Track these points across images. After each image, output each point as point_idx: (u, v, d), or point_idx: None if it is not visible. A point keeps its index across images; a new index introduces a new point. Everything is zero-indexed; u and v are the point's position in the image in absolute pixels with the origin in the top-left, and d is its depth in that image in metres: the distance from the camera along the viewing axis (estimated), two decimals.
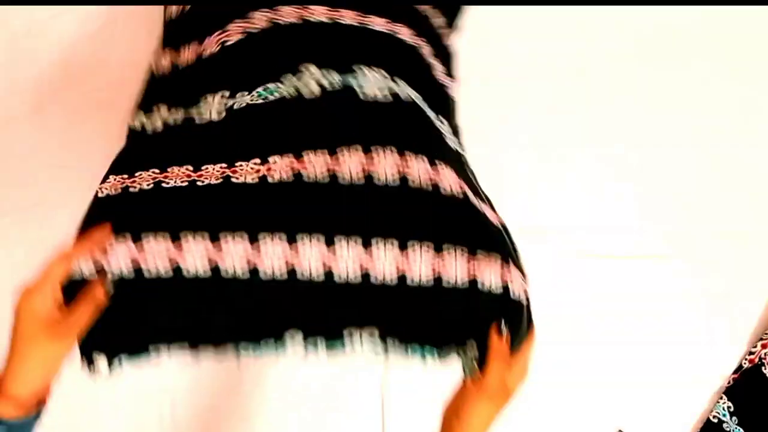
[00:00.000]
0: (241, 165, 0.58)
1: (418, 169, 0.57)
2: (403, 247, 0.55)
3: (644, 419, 0.83)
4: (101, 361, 0.55)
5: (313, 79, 0.60)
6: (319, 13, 0.63)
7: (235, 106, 0.60)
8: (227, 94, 0.61)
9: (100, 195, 0.59)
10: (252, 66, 0.62)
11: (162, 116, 0.63)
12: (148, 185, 0.58)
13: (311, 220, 0.56)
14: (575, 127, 0.87)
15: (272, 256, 0.54)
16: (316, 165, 0.57)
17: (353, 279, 0.55)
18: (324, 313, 0.56)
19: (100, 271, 0.53)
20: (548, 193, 0.86)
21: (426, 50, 0.67)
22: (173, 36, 0.69)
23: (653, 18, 0.89)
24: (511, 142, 0.86)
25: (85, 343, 0.53)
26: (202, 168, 0.58)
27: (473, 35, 0.88)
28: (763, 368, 0.82)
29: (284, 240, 0.55)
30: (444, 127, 0.64)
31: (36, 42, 0.83)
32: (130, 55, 0.84)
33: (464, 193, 0.58)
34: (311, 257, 0.55)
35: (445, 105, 0.68)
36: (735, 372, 0.83)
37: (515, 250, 0.60)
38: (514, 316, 0.56)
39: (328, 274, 0.55)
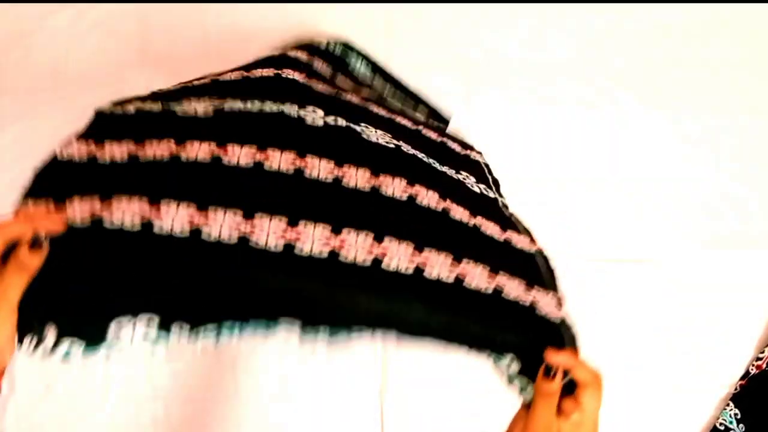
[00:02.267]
0: (233, 147, 0.49)
1: (428, 195, 0.53)
2: (419, 249, 0.49)
3: (649, 426, 0.82)
4: (49, 333, 0.43)
5: (318, 116, 0.55)
6: (323, 89, 0.60)
7: (225, 108, 0.53)
8: (216, 102, 0.54)
9: (59, 157, 0.49)
10: (249, 87, 0.57)
11: (135, 105, 0.54)
12: (122, 158, 0.48)
13: (317, 208, 0.49)
14: (575, 127, 0.86)
15: (269, 229, 0.46)
16: (320, 167, 0.51)
17: (362, 263, 0.47)
18: (330, 298, 0.47)
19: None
20: (548, 195, 0.85)
21: (432, 133, 0.65)
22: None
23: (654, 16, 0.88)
24: (510, 144, 0.85)
25: (25, 315, 0.42)
26: (186, 143, 0.49)
27: (471, 34, 0.87)
28: None
29: (284, 222, 0.47)
30: (465, 178, 0.60)
31: (28, 41, 0.83)
32: (125, 54, 0.83)
33: (475, 225, 0.54)
34: (314, 237, 0.47)
35: (466, 164, 0.64)
36: (742, 378, 0.82)
37: (550, 278, 0.56)
38: (546, 332, 0.50)
39: (333, 254, 0.47)
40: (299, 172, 0.50)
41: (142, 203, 0.45)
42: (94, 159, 0.49)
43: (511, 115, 0.85)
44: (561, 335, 0.51)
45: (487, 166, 0.67)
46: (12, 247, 0.41)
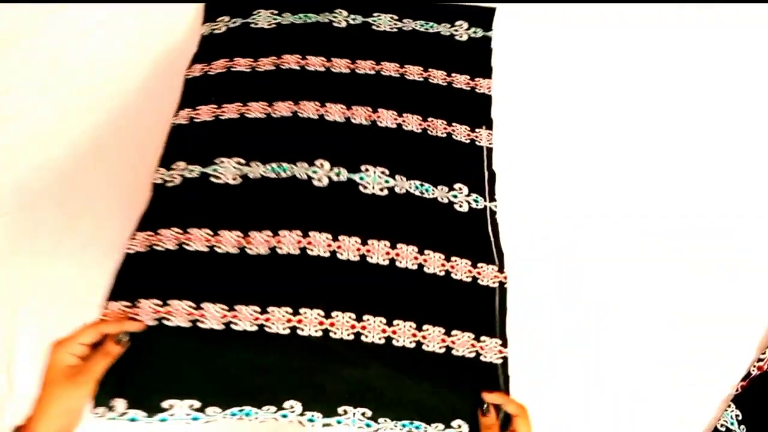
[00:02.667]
0: (254, 235, 0.66)
1: (407, 253, 0.68)
2: (389, 323, 0.65)
3: (650, 427, 0.81)
4: (119, 404, 0.60)
5: (323, 173, 0.69)
6: (335, 112, 0.73)
7: (250, 175, 0.69)
8: (243, 161, 0.69)
9: (129, 251, 0.66)
10: (270, 143, 0.71)
11: (180, 171, 0.70)
12: (172, 246, 0.65)
13: (314, 292, 0.64)
14: (577, 130, 0.86)
15: (279, 319, 0.63)
16: (320, 243, 0.66)
17: (347, 338, 0.64)
18: (321, 385, 0.63)
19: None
20: (550, 195, 0.84)
21: (438, 125, 0.76)
22: (192, 95, 0.77)
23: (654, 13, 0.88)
24: (512, 145, 0.84)
25: (103, 389, 0.58)
26: (219, 233, 0.66)
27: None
28: None
29: (289, 311, 0.63)
30: (456, 194, 0.73)
31: (27, 40, 0.82)
32: (123, 54, 0.83)
33: (447, 271, 0.69)
34: (311, 321, 0.63)
35: (466, 165, 0.75)
36: (743, 379, 0.81)
37: (501, 316, 0.71)
38: (485, 376, 0.66)
39: (325, 331, 0.63)
40: (303, 251, 0.65)
41: (190, 306, 0.62)
42: (152, 248, 0.65)
43: (511, 115, 0.85)
44: (497, 378, 0.66)
45: (489, 152, 0.76)
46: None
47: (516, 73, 0.86)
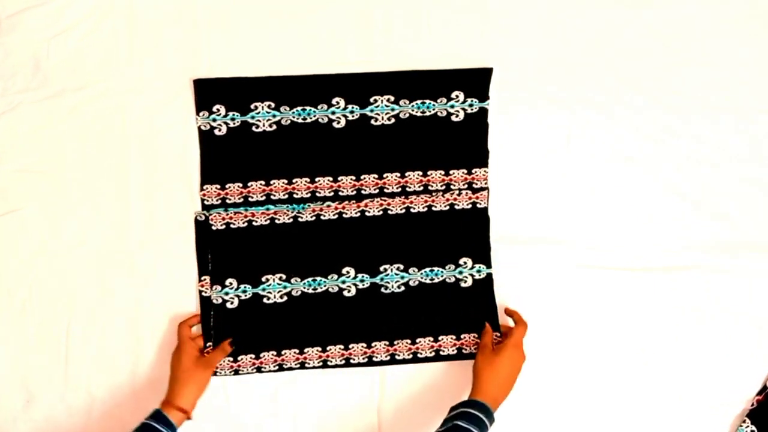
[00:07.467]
0: (308, 351, 0.80)
1: (425, 346, 0.81)
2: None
3: None
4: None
5: (350, 282, 0.80)
6: (351, 208, 0.79)
7: (293, 293, 0.79)
8: (284, 276, 0.79)
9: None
10: (300, 255, 0.79)
11: (235, 291, 0.79)
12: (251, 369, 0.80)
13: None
14: (579, 136, 0.83)
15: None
16: (358, 353, 0.80)
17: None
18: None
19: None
20: (557, 203, 0.83)
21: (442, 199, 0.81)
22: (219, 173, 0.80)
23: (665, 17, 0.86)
24: (516, 152, 0.83)
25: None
26: (283, 353, 0.79)
27: (475, 35, 0.85)
28: None
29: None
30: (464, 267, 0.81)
31: (6, 38, 0.79)
32: (108, 53, 0.80)
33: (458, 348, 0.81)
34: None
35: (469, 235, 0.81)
36: (759, 394, 0.79)
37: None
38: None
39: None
40: (347, 360, 0.80)
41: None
42: (236, 372, 0.80)
43: (513, 117, 0.83)
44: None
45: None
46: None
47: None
